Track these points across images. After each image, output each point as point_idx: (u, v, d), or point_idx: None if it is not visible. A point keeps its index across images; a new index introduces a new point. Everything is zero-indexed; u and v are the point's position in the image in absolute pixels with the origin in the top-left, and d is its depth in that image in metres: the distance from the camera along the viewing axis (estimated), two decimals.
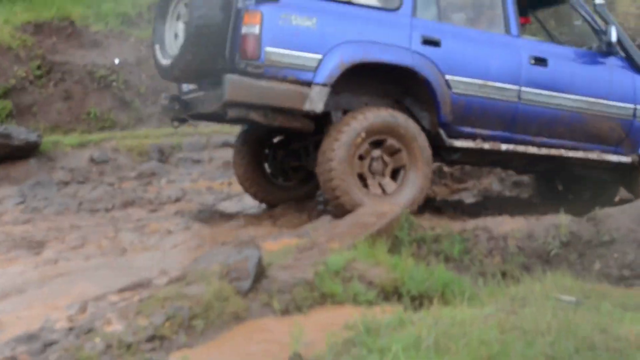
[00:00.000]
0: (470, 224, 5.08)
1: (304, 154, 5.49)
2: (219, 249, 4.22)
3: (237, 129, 6.09)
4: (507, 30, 5.35)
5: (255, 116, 4.68)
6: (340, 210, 4.80)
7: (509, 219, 5.11)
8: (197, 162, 8.76)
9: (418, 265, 4.14)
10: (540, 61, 5.37)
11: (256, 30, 4.50)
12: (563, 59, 5.57)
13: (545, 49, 5.59)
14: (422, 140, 4.95)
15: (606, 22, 5.60)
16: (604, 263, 4.41)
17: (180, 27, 4.96)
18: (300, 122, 4.79)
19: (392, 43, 4.91)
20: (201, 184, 7.69)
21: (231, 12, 4.64)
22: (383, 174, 4.99)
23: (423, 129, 5.07)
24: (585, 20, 5.68)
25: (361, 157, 4.87)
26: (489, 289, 3.78)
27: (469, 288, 3.86)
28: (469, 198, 7.77)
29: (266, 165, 5.95)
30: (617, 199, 6.62)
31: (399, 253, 4.62)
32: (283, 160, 5.90)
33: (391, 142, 4.88)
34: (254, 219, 5.82)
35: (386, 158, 4.95)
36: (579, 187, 6.55)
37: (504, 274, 4.55)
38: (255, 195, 5.96)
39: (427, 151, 4.98)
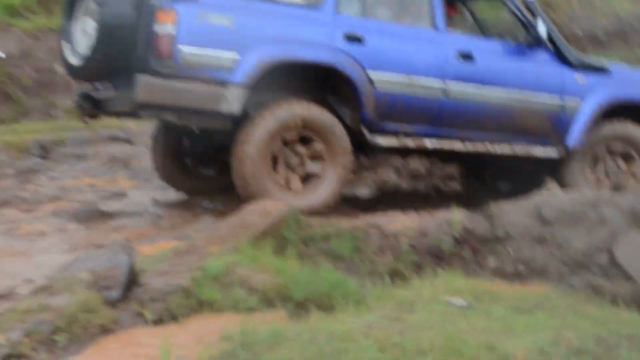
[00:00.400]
0: (361, 221, 4.89)
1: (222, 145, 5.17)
2: (89, 254, 3.88)
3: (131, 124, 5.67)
4: (433, 25, 5.26)
5: (169, 117, 4.56)
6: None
7: (401, 216, 4.98)
8: (81, 157, 8.20)
9: (304, 268, 3.97)
10: (467, 56, 5.29)
11: (170, 29, 4.31)
12: (490, 54, 5.51)
13: (472, 43, 5.50)
14: (339, 133, 4.82)
15: (535, 16, 5.50)
16: (498, 259, 4.36)
17: (90, 24, 4.67)
18: (217, 122, 4.60)
19: (314, 40, 4.81)
20: (84, 182, 7.17)
21: (143, 9, 4.44)
22: (301, 168, 4.86)
23: (346, 126, 4.92)
24: (513, 13, 5.64)
25: (275, 155, 4.76)
26: (376, 292, 3.67)
27: (356, 290, 3.73)
28: (364, 191, 7.65)
29: (185, 155, 5.77)
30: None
31: (286, 254, 4.42)
32: (202, 150, 5.70)
33: (307, 135, 4.78)
34: (136, 218, 5.48)
35: (300, 149, 4.82)
36: (508, 180, 6.57)
37: (395, 273, 4.43)
38: (174, 185, 5.78)
39: (346, 144, 4.86)
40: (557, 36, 5.64)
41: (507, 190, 6.33)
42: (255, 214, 4.29)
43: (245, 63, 4.47)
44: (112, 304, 3.21)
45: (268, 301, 3.44)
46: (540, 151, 5.57)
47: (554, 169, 5.81)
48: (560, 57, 5.59)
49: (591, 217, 4.30)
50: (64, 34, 4.95)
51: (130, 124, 9.65)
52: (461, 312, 2.98)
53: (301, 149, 4.80)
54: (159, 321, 3.18)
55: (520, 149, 5.51)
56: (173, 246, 4.14)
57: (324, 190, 4.83)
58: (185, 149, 5.75)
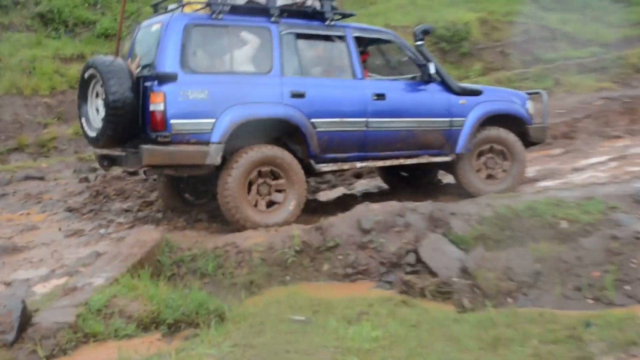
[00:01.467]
0: (221, 240, 5.76)
1: (209, 181, 6.65)
2: None
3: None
4: (354, 76, 6.60)
5: (168, 172, 6.08)
6: (237, 225, 5.93)
7: (253, 233, 5.90)
8: (2, 195, 9.09)
9: (175, 291, 4.69)
10: (380, 96, 6.63)
11: (162, 107, 5.48)
12: (396, 91, 6.88)
13: (383, 85, 6.84)
14: (296, 167, 6.13)
15: (426, 58, 6.96)
16: (331, 264, 5.33)
17: (100, 103, 5.89)
18: (204, 170, 5.89)
19: (268, 100, 6.04)
20: (2, 217, 7.97)
21: (140, 93, 5.68)
22: (269, 194, 6.13)
23: (299, 159, 6.21)
24: (409, 57, 7.07)
25: (250, 183, 6.00)
26: (235, 309, 4.31)
27: (219, 307, 4.43)
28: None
29: (183, 189, 7.31)
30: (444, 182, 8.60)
31: (161, 277, 5.17)
32: (195, 185, 7.20)
33: (272, 170, 6.05)
34: (43, 249, 6.28)
35: (270, 182, 6.12)
36: (417, 175, 8.40)
37: (252, 284, 5.30)
38: (171, 208, 7.30)
39: (301, 175, 6.17)
40: (443, 72, 7.13)
41: (421, 182, 8.37)
42: (133, 246, 5.04)
43: (219, 125, 5.71)
44: (8, 346, 3.73)
45: (144, 327, 4.12)
46: (439, 158, 7.09)
47: (449, 167, 7.47)
48: (447, 87, 7.08)
49: (400, 224, 5.36)
50: (81, 111, 6.20)
51: (43, 163, 10.15)
52: (302, 329, 3.67)
53: (270, 181, 6.10)
54: (51, 356, 3.74)
55: (424, 158, 7.01)
56: (64, 282, 4.76)
57: (284, 212, 6.10)
58: (184, 187, 7.29)
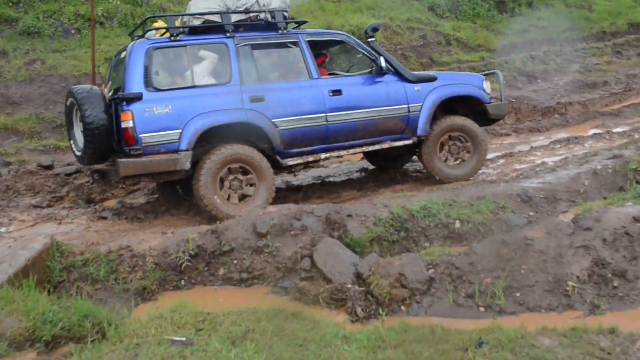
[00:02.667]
0: (115, 244, 5.52)
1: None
2: None
3: None
4: (310, 76, 7.19)
5: (146, 179, 7.06)
6: (213, 217, 6.33)
7: (150, 236, 5.71)
8: None
9: (59, 302, 4.42)
10: (337, 92, 7.20)
11: (131, 123, 6.14)
12: (352, 86, 7.42)
13: (338, 82, 7.40)
14: (264, 164, 6.71)
15: (377, 52, 7.55)
16: (226, 269, 5.19)
17: (82, 125, 6.53)
18: (178, 174, 6.54)
19: (229, 107, 6.63)
20: None
21: (112, 113, 6.39)
22: (241, 189, 6.68)
23: (267, 156, 6.80)
24: (362, 53, 7.66)
25: (222, 179, 6.59)
26: (113, 331, 4.01)
27: (106, 317, 4.22)
28: (140, 198, 8.53)
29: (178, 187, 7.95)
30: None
31: (50, 283, 4.88)
32: (186, 182, 7.29)
33: (242, 166, 6.63)
34: None
35: (241, 177, 6.68)
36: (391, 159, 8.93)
37: (145, 289, 5.10)
38: (171, 205, 7.90)
39: (269, 170, 6.74)
40: (395, 63, 7.67)
41: (395, 165, 9.00)
42: (20, 251, 4.71)
43: (185, 134, 6.35)
44: None
45: (17, 345, 3.84)
46: (400, 142, 7.66)
47: (412, 150, 8.12)
48: (401, 77, 7.64)
49: (296, 227, 5.29)
50: (69, 135, 7.07)
51: None
52: (180, 353, 3.47)
53: (241, 177, 6.67)
54: None
55: (386, 144, 7.59)
56: None
57: (255, 205, 6.47)
58: (177, 184, 7.82)
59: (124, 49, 6.79)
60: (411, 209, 5.93)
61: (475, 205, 6.19)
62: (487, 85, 8.25)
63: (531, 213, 6.30)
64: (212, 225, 5.55)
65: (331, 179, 8.98)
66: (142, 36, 6.94)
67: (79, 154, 6.84)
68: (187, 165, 6.34)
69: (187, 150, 6.35)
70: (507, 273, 4.56)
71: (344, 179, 8.95)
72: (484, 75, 8.50)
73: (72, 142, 7.04)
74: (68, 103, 6.83)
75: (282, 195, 7.88)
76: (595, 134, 10.56)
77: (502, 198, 6.42)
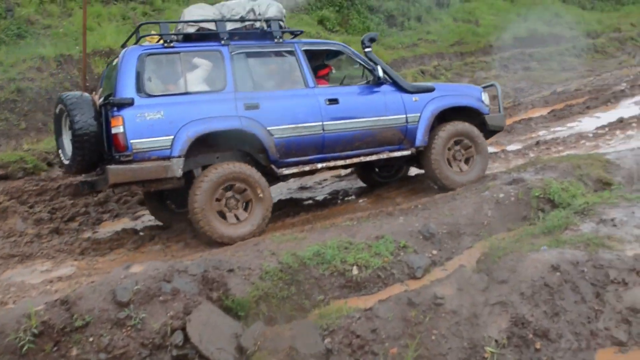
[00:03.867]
0: None
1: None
2: None
3: None
4: (306, 85, 7.06)
5: (135, 188, 6.40)
6: (204, 235, 6.23)
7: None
8: None
9: None
10: (334, 101, 7.06)
11: (121, 129, 5.89)
12: (349, 95, 7.30)
13: (335, 91, 7.26)
14: (262, 181, 6.51)
15: (374, 62, 7.46)
16: (81, 349, 4.21)
17: (70, 135, 6.35)
18: (170, 183, 6.22)
19: (223, 114, 6.43)
20: None
21: (102, 120, 6.20)
22: (236, 208, 6.44)
23: (261, 166, 6.67)
24: (360, 64, 7.59)
25: (218, 199, 6.33)
26: None
27: None
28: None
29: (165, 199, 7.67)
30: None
31: None
32: (177, 195, 7.34)
33: (238, 185, 6.40)
34: None
35: (237, 196, 6.44)
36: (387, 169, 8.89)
37: None
38: (160, 220, 7.77)
39: (267, 189, 6.57)
40: (393, 73, 7.60)
41: (390, 176, 8.78)
42: None
43: (177, 141, 6.10)
44: None
45: None
46: (398, 153, 7.53)
47: (412, 161, 8.04)
48: (398, 87, 7.55)
49: (166, 291, 4.41)
50: (57, 143, 6.79)
51: None
52: None
53: (238, 196, 6.43)
54: None
55: (384, 154, 7.44)
56: None
57: (251, 224, 6.41)
58: (167, 197, 7.59)
59: (116, 57, 6.65)
60: (302, 256, 5.21)
61: (374, 246, 5.56)
62: (485, 97, 8.25)
63: (434, 252, 5.75)
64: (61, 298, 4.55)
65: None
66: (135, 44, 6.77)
67: (67, 162, 6.61)
68: (179, 173, 6.13)
69: (179, 157, 6.13)
70: (417, 340, 3.90)
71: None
72: (483, 87, 8.54)
73: (60, 150, 6.80)
74: (57, 110, 6.64)
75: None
76: (490, 152, 10.26)
77: (403, 236, 5.83)
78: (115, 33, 14.58)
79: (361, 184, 9.08)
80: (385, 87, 7.54)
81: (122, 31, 15.07)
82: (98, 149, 6.28)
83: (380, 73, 7.41)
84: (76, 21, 14.85)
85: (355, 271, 5.24)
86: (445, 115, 7.84)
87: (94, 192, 7.43)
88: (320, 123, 6.96)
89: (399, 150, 7.55)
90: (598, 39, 22.58)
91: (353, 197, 8.47)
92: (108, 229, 7.97)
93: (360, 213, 7.25)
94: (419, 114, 7.58)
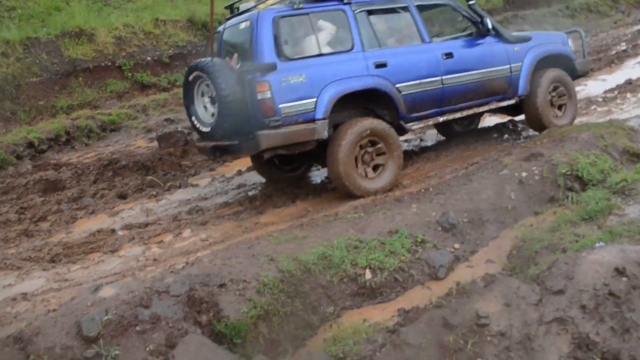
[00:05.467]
0: None
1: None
2: None
3: None
4: (422, 40, 7.14)
5: (282, 151, 6.29)
6: (345, 190, 6.36)
7: None
8: None
9: None
10: (449, 55, 7.18)
11: (269, 94, 5.92)
12: (461, 48, 7.41)
13: (449, 44, 7.37)
14: (395, 136, 6.63)
15: (479, 15, 7.60)
16: None
17: (207, 101, 6.52)
18: (310, 145, 6.29)
19: (357, 74, 6.48)
20: None
21: (245, 85, 6.08)
22: (372, 161, 6.55)
23: (389, 122, 6.69)
24: (464, 17, 7.65)
25: (354, 153, 6.37)
26: None
27: None
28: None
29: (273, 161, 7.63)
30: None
31: None
32: (284, 157, 7.15)
33: (374, 139, 6.49)
34: None
35: (371, 150, 6.52)
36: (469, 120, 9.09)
37: None
38: (265, 177, 7.87)
39: (398, 140, 6.68)
40: (497, 25, 7.71)
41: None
42: None
43: (320, 103, 6.16)
44: None
45: None
46: (505, 102, 7.75)
47: (515, 109, 8.17)
48: (501, 38, 7.69)
49: (144, 319, 3.59)
50: (190, 111, 6.66)
51: None
52: None
53: (370, 149, 6.53)
54: None
55: (493, 104, 7.68)
56: None
57: (388, 175, 6.59)
58: (274, 160, 7.53)
59: (240, 21, 6.66)
60: (306, 260, 4.41)
61: (388, 243, 4.78)
62: (571, 43, 8.53)
63: (456, 245, 4.99)
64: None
65: (203, 204, 7.28)
66: (260, 3, 6.88)
67: (207, 129, 6.51)
68: (325, 134, 6.21)
69: (323, 119, 6.20)
70: None
71: (221, 202, 7.28)
72: (566, 33, 8.78)
73: (194, 119, 6.67)
74: (191, 78, 6.57)
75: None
76: (498, 122, 9.49)
77: (419, 228, 5.05)
78: (85, 12, 13.63)
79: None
80: (489, 38, 7.70)
81: (93, 9, 14.12)
82: (240, 114, 6.16)
83: (490, 25, 7.55)
84: (42, 1, 13.86)
85: (368, 275, 4.47)
86: (539, 63, 8.03)
87: (227, 157, 7.47)
88: (440, 77, 7.10)
89: (503, 99, 7.78)
90: None
91: None
92: (84, 228, 7.11)
93: (363, 200, 6.49)
94: (520, 63, 7.81)
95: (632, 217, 4.39)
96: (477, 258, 4.88)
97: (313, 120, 6.16)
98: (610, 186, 5.33)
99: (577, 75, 8.53)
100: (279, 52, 6.18)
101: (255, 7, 6.89)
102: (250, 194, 7.46)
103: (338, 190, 6.59)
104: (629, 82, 11.40)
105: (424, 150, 8.62)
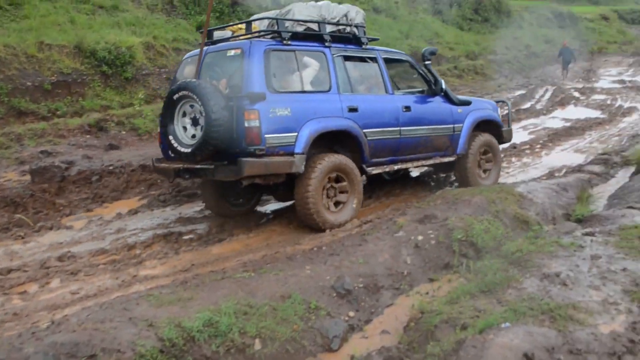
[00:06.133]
0: None
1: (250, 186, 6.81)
2: None
3: None
4: (387, 91, 7.63)
5: (259, 180, 6.45)
6: (311, 222, 6.64)
7: None
8: None
9: None
10: (407, 108, 7.68)
11: (257, 123, 6.14)
12: (416, 103, 7.90)
13: (408, 98, 7.89)
14: (358, 174, 6.99)
15: (433, 75, 8.21)
16: None
17: (187, 121, 6.52)
18: (281, 177, 6.50)
19: (333, 114, 6.82)
20: None
21: (232, 111, 6.20)
22: (335, 196, 6.89)
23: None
24: (420, 74, 8.21)
25: (322, 187, 6.68)
26: None
27: None
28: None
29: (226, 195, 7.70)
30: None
31: None
32: (237, 191, 7.62)
33: (339, 175, 6.84)
34: None
35: (335, 185, 6.87)
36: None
37: None
38: (216, 212, 7.78)
39: (359, 177, 7.02)
40: (445, 87, 8.25)
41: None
42: None
43: (300, 138, 6.41)
44: None
45: None
46: (446, 159, 8.28)
47: (451, 167, 8.72)
48: (448, 99, 8.30)
49: None
50: (168, 130, 6.58)
51: None
52: None
53: (335, 185, 6.86)
54: None
55: (437, 159, 8.18)
56: None
57: (349, 210, 6.91)
58: (227, 193, 7.63)
59: (229, 48, 6.72)
60: (190, 327, 3.98)
61: (281, 309, 4.44)
62: (499, 112, 9.26)
63: (351, 313, 4.75)
64: None
65: (76, 249, 6.63)
66: (242, 35, 7.03)
67: (186, 150, 6.38)
68: (302, 169, 6.41)
69: (302, 153, 6.40)
70: None
71: (96, 248, 6.66)
72: (496, 102, 9.55)
73: (171, 138, 6.54)
74: (175, 97, 6.47)
75: None
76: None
77: (313, 293, 4.77)
78: None
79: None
80: (438, 98, 8.25)
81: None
82: (224, 138, 6.16)
83: (444, 86, 8.18)
84: None
85: (258, 345, 4.10)
86: (476, 126, 8.65)
87: (192, 178, 7.03)
88: (399, 128, 7.56)
89: (445, 156, 8.29)
90: (477, 61, 22.83)
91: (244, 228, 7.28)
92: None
93: (253, 255, 6.15)
94: (462, 124, 8.40)
95: (530, 291, 4.32)
96: (372, 328, 4.64)
97: (292, 154, 6.34)
98: (506, 255, 5.30)
99: (502, 141, 9.24)
100: (268, 84, 6.33)
101: (231, 37, 7.14)
102: (129, 240, 6.90)
103: (302, 222, 6.79)
104: (513, 147, 11.85)
105: None
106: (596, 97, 19.94)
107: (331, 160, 6.70)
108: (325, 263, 5.33)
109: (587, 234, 5.83)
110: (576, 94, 19.79)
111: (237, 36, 7.10)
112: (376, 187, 8.86)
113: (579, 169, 9.84)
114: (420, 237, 5.75)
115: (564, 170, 10.03)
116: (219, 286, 4.82)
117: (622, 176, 9.47)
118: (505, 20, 31.81)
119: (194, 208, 8.28)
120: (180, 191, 8.86)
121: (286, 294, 4.59)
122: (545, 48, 30.39)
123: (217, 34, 7.29)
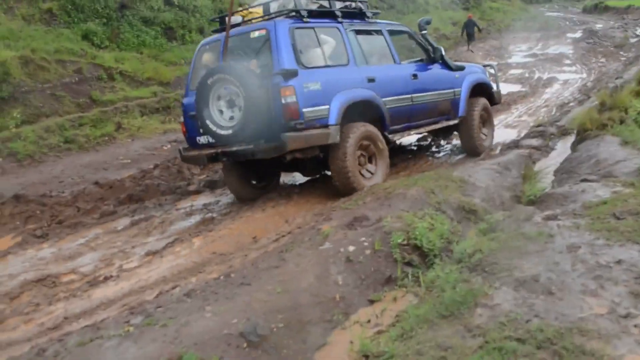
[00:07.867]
0: None
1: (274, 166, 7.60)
2: None
3: None
4: (394, 61, 8.04)
5: (299, 154, 6.72)
6: (348, 186, 6.82)
7: None
8: None
9: None
10: (415, 76, 8.10)
11: (294, 98, 6.35)
12: (421, 71, 8.28)
13: (413, 67, 8.30)
14: (382, 139, 7.38)
15: (430, 44, 8.60)
16: None
17: (222, 104, 6.69)
18: (316, 150, 6.76)
19: (356, 86, 7.14)
20: None
21: (267, 89, 6.41)
22: (365, 163, 7.23)
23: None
24: (419, 44, 8.63)
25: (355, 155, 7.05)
26: None
27: None
28: None
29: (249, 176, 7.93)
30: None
31: None
32: (260, 172, 7.88)
33: (367, 142, 7.18)
34: None
35: (364, 152, 7.20)
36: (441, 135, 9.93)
37: None
38: (238, 195, 7.84)
39: (385, 144, 7.42)
40: (444, 54, 8.67)
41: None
42: None
43: (333, 110, 6.70)
44: None
45: None
46: (450, 122, 8.70)
47: (455, 129, 9.19)
48: (446, 65, 8.69)
49: None
50: (204, 115, 6.72)
51: None
52: None
53: (364, 152, 7.22)
54: None
55: (442, 123, 8.58)
56: None
57: (378, 176, 7.30)
58: (250, 175, 7.90)
59: (253, 29, 6.86)
60: None
61: None
62: (487, 75, 9.70)
63: None
64: None
65: None
66: (257, 18, 7.23)
67: (226, 132, 6.58)
68: (337, 139, 6.62)
69: (336, 124, 6.60)
70: None
71: None
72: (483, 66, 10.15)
73: (208, 122, 6.67)
74: (210, 81, 6.58)
75: None
76: None
77: (216, 347, 3.45)
78: None
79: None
80: (437, 65, 8.57)
81: None
82: (262, 117, 6.36)
83: (443, 53, 8.54)
84: None
85: None
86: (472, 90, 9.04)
87: (230, 161, 7.12)
88: (411, 95, 7.88)
89: (448, 120, 8.63)
90: None
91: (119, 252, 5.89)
92: None
93: (143, 295, 4.81)
94: (460, 89, 8.80)
95: (506, 308, 3.18)
96: None
97: (327, 126, 6.57)
98: (462, 259, 4.15)
99: (494, 103, 9.72)
100: (297, 60, 6.56)
101: (242, 22, 7.30)
102: None
103: (339, 187, 6.90)
104: None
105: (225, 213, 7.18)
106: (513, 71, 19.50)
107: (361, 129, 6.98)
108: (232, 298, 4.02)
109: (549, 218, 4.82)
110: (492, 70, 19.27)
111: (249, 20, 7.30)
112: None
113: (515, 144, 9.01)
114: (351, 248, 4.53)
115: (499, 148, 9.17)
116: (88, 351, 3.45)
117: (563, 147, 8.65)
118: (410, 5, 31.41)
119: (77, 241, 6.82)
120: (60, 222, 7.37)
121: (175, 355, 3.26)
122: (453, 30, 30.16)
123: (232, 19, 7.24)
